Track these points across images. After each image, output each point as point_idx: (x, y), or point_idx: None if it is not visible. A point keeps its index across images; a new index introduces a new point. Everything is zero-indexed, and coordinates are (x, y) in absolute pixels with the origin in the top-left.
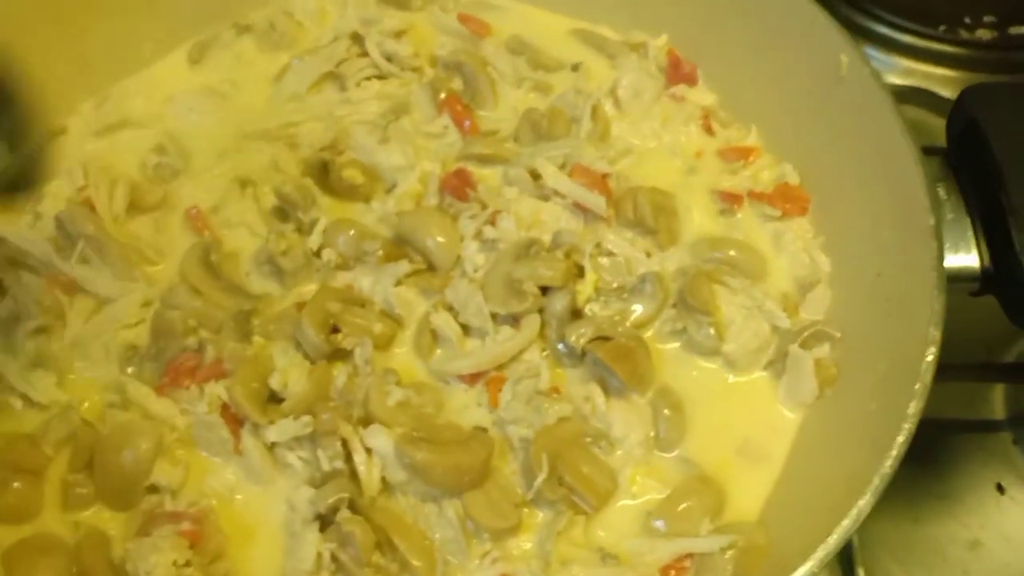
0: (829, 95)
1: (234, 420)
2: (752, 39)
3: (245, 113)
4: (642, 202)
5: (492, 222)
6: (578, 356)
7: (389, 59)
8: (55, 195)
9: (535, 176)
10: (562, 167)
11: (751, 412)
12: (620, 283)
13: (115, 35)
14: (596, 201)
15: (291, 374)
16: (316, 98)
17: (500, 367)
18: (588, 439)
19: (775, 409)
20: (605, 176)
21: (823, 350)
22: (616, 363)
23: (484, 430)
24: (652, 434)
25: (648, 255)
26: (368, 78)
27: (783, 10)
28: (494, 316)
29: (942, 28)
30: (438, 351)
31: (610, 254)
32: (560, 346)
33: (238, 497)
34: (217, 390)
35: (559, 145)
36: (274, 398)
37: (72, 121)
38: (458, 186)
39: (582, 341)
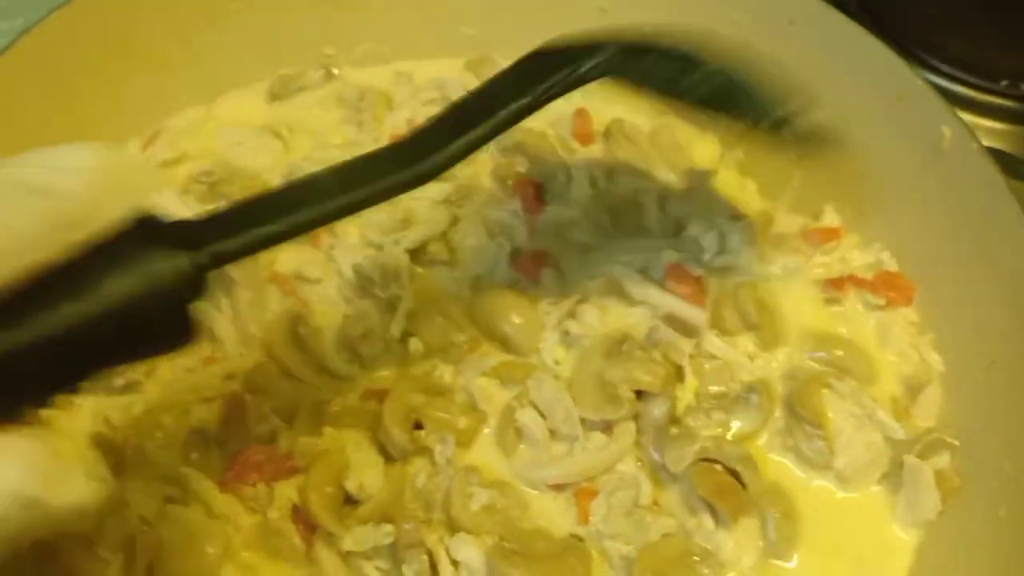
0: (926, 170)
1: (307, 524)
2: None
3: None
4: (744, 298)
5: (573, 315)
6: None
7: None
8: None
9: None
10: (643, 270)
11: (865, 531)
12: (723, 390)
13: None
14: (694, 315)
15: (366, 474)
16: None
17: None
18: (696, 558)
19: (890, 527)
20: (699, 279)
21: (942, 460)
22: (720, 499)
23: (579, 539)
24: (761, 544)
25: (751, 358)
26: None
27: (875, 75)
28: (583, 421)
29: (1004, 83)
30: (521, 447)
31: (712, 357)
32: (656, 456)
33: None
34: (287, 491)
35: (638, 245)
36: (349, 499)
37: None
38: (532, 268)
39: (682, 466)
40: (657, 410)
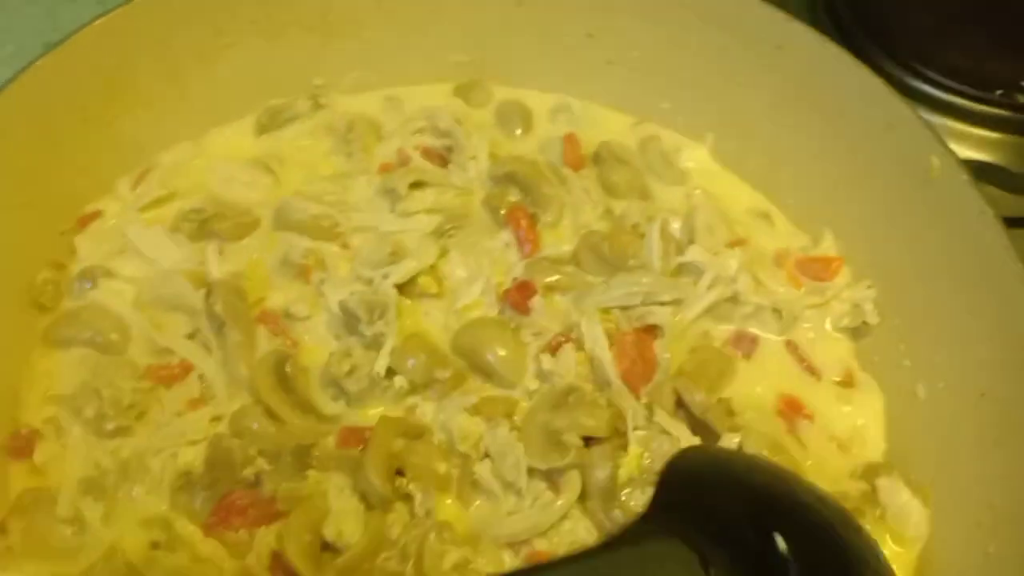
0: (912, 198)
1: (285, 572)
2: (827, 138)
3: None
4: (697, 401)
5: (555, 349)
6: None
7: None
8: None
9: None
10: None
11: None
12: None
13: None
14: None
15: (345, 521)
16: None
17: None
18: None
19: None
20: (650, 358)
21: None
22: None
23: None
24: None
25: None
26: (417, 185)
27: (864, 103)
28: (531, 471)
29: (998, 93)
30: (478, 501)
31: (663, 432)
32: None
33: None
34: (268, 537)
35: (634, 282)
36: (327, 547)
37: (107, 202)
38: (520, 300)
39: None
40: (601, 472)
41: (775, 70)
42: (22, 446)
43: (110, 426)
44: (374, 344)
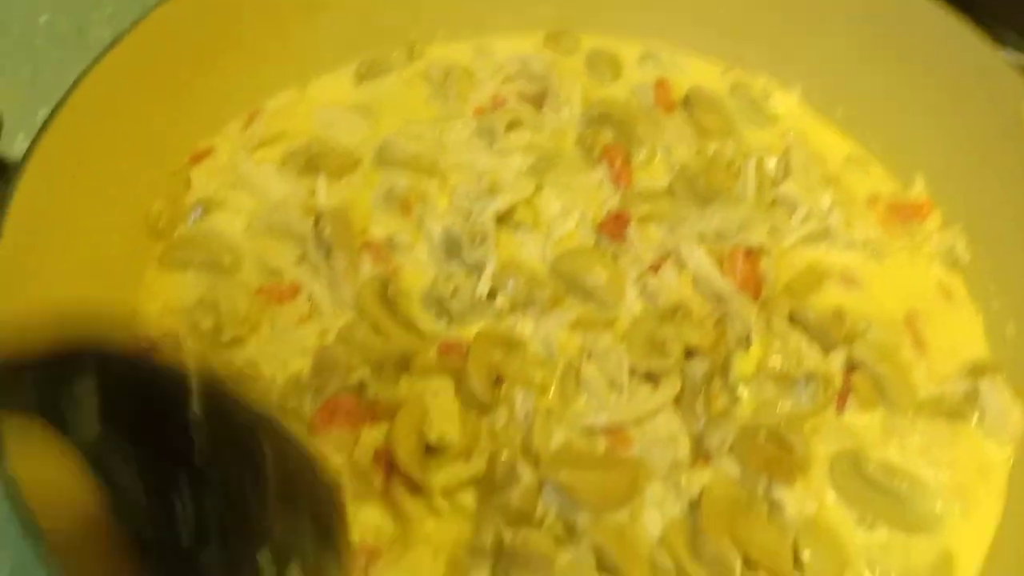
0: (1003, 145)
1: (388, 467)
2: (917, 86)
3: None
4: (811, 316)
5: (656, 271)
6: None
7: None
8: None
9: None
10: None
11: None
12: (785, 370)
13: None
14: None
15: (446, 424)
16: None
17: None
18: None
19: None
20: (757, 273)
21: None
22: (770, 470)
23: None
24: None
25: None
26: (512, 125)
27: (956, 53)
28: (632, 371)
29: None
30: (581, 400)
31: (782, 337)
32: (700, 425)
33: None
34: (372, 434)
35: (728, 210)
36: (428, 449)
37: (219, 140)
38: (616, 229)
39: (724, 450)
40: (700, 368)
41: (865, 19)
42: None
43: (226, 337)
44: (475, 268)
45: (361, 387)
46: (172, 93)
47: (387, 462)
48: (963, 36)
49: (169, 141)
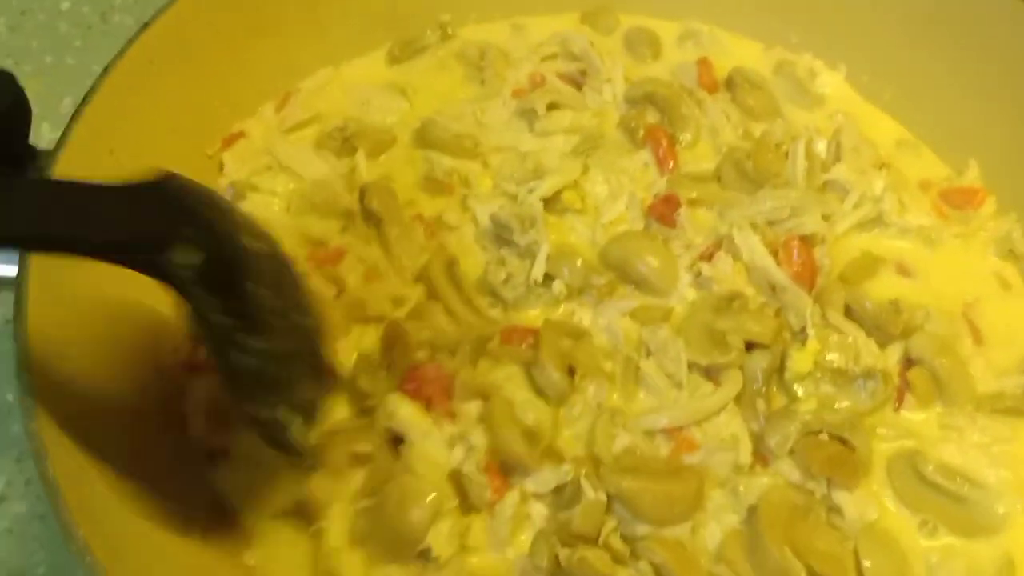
0: None
1: (499, 475)
2: (969, 70)
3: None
4: (868, 308)
5: (709, 258)
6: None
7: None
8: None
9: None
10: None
11: None
12: (843, 366)
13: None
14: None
15: (534, 412)
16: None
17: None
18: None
19: None
20: (812, 261)
21: None
22: (834, 471)
23: None
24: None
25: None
26: (553, 106)
27: (1011, 36)
28: (691, 367)
29: None
30: (640, 395)
31: (839, 332)
32: (759, 426)
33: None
34: (473, 436)
35: (780, 195)
36: None
37: (251, 124)
38: (666, 213)
39: (786, 448)
40: (762, 361)
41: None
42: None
43: None
44: (527, 253)
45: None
46: (203, 78)
47: (499, 470)
48: (1020, 17)
49: (202, 126)
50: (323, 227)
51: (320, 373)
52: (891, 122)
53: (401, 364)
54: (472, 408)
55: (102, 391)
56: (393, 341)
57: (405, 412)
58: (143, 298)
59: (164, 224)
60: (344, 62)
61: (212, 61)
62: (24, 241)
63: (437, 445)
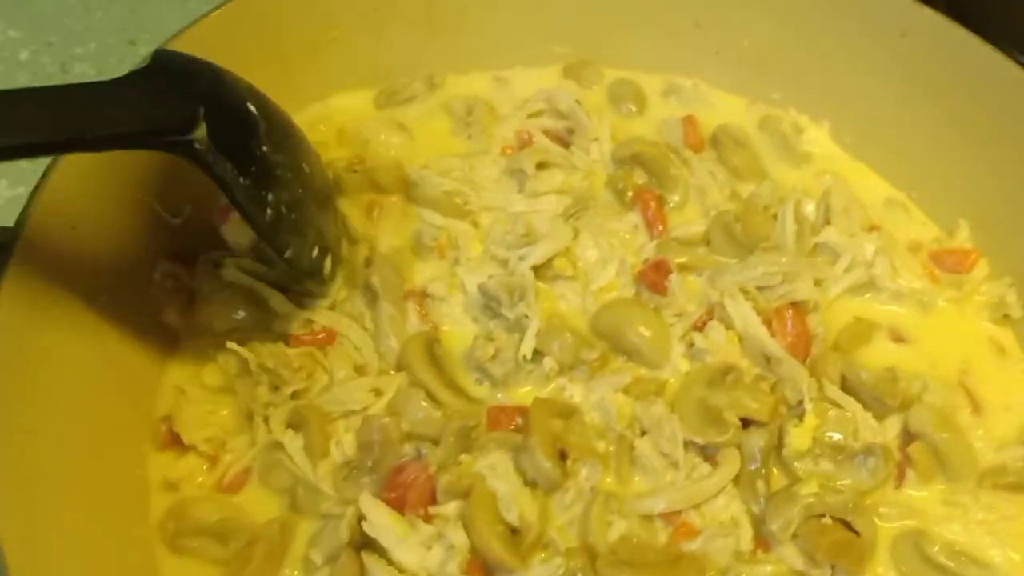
0: None
1: (481, 571)
2: (957, 128)
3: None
4: (864, 378)
5: (701, 327)
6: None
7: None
8: None
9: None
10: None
11: None
12: (842, 442)
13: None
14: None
15: (520, 503)
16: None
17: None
18: None
19: None
20: (805, 331)
21: None
22: (840, 558)
23: None
24: None
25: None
26: (542, 165)
27: (999, 94)
28: (687, 446)
29: None
30: (636, 478)
31: (836, 406)
32: (758, 508)
33: None
34: (453, 535)
35: (770, 260)
36: None
37: None
38: (657, 280)
39: (789, 533)
40: (759, 439)
41: (899, 58)
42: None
43: (288, 390)
44: (516, 327)
45: (419, 455)
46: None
47: (480, 567)
48: (1010, 75)
49: None
50: None
51: (330, 208)
52: (879, 180)
53: (384, 465)
54: (450, 508)
55: None
56: (369, 438)
57: (378, 516)
58: None
59: (184, 108)
60: (332, 95)
61: None
62: (69, 144)
63: (413, 549)
